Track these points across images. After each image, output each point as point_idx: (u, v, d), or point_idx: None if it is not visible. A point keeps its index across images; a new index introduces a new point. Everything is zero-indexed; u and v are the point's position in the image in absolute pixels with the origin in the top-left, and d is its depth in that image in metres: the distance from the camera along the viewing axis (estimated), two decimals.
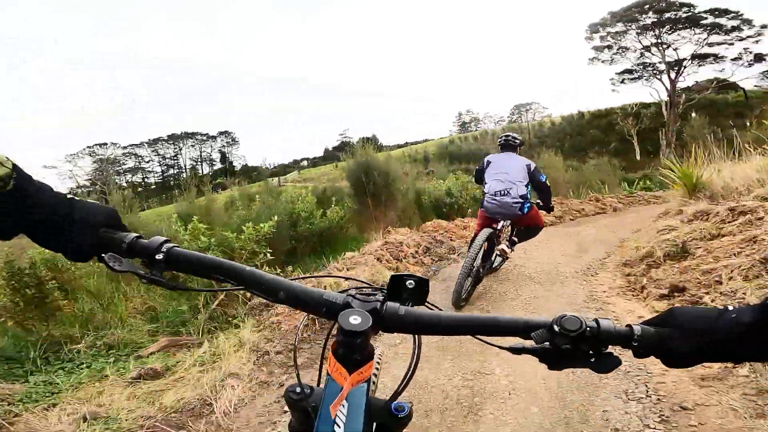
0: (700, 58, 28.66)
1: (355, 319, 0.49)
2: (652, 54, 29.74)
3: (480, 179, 3.90)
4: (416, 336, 0.59)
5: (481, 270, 3.50)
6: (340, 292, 0.56)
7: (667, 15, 28.14)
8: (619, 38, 30.57)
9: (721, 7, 27.38)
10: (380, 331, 0.52)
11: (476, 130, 57.99)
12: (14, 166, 0.48)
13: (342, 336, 0.48)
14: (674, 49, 28.84)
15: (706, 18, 27.51)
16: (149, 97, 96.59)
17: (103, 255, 0.53)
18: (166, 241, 0.54)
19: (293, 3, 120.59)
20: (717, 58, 28.52)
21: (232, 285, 0.54)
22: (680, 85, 28.78)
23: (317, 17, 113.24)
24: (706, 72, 32.72)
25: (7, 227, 0.50)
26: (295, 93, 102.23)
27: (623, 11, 29.61)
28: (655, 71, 30.06)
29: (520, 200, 3.57)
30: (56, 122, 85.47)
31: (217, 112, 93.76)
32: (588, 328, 0.47)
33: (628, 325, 0.49)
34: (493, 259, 3.76)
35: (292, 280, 0.56)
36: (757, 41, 27.60)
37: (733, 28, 27.89)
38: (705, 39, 27.94)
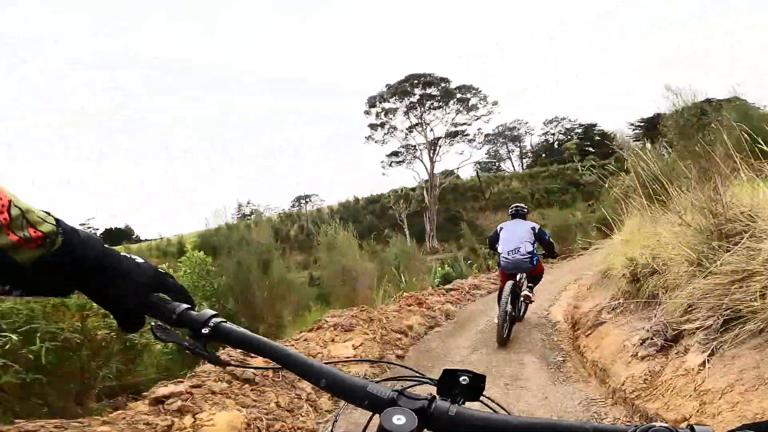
0: (451, 136, 32.82)
1: (398, 419, 0.45)
2: (416, 134, 32.50)
3: (493, 244, 4.97)
4: None
5: (513, 313, 4.48)
6: (386, 380, 0.56)
7: (429, 90, 31.48)
8: (390, 116, 32.44)
9: (466, 83, 32.21)
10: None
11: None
12: (57, 220, 0.49)
13: None
14: (431, 129, 32.37)
15: (456, 93, 31.69)
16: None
17: (152, 324, 0.54)
18: (214, 315, 0.55)
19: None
20: (464, 135, 33.29)
21: (274, 365, 0.54)
22: (437, 167, 32.81)
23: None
24: (458, 150, 36.70)
25: (60, 284, 0.50)
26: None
27: (398, 84, 31.50)
28: (416, 153, 33.02)
29: (529, 255, 4.60)
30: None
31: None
32: None
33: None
34: (520, 305, 4.72)
35: (334, 363, 0.56)
36: (488, 120, 32.95)
37: (473, 107, 31.77)
38: (454, 118, 32.20)
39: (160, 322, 0.54)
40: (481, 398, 0.52)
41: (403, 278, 9.22)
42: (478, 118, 32.74)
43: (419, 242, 24.46)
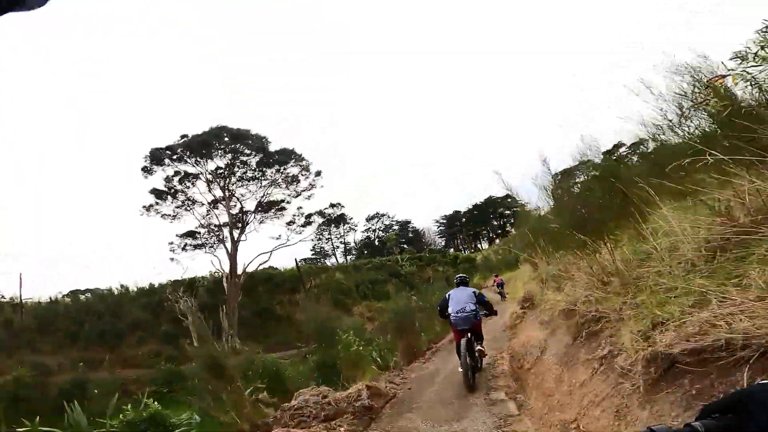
0: (264, 210, 26.74)
1: None
2: (222, 210, 25.84)
3: (443, 310, 6.13)
4: None
5: (473, 363, 5.64)
6: None
7: (240, 146, 25.47)
8: (186, 184, 25.07)
9: (288, 148, 26.67)
10: None
11: None
12: None
13: None
14: (240, 205, 26.24)
15: (275, 158, 26.39)
16: None
17: None
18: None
19: None
20: (278, 210, 27.44)
21: None
22: (246, 252, 27.39)
23: None
24: (273, 233, 31.70)
25: None
26: None
27: (199, 137, 24.23)
28: (219, 234, 26.00)
29: (473, 312, 5.85)
30: None
31: None
32: None
33: (688, 425, 0.46)
34: (476, 358, 5.90)
35: None
36: (309, 196, 27.67)
37: (293, 178, 26.95)
38: (268, 192, 26.66)
39: None
40: None
41: None
42: (298, 195, 28.00)
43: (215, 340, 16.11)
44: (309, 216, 29.25)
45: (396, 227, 56.28)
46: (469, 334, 5.64)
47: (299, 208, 28.54)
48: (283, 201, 27.84)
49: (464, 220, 56.21)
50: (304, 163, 27.59)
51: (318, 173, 27.90)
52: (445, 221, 57.72)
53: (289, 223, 28.37)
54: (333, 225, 51.44)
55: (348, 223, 49.72)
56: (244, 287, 25.53)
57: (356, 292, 29.44)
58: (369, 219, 54.96)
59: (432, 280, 31.69)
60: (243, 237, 26.43)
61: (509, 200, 56.47)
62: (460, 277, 6.54)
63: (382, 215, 55.74)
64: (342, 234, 53.01)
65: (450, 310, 5.90)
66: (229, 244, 25.93)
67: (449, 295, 6.12)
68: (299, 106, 77.78)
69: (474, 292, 6.06)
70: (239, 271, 25.36)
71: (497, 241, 49.69)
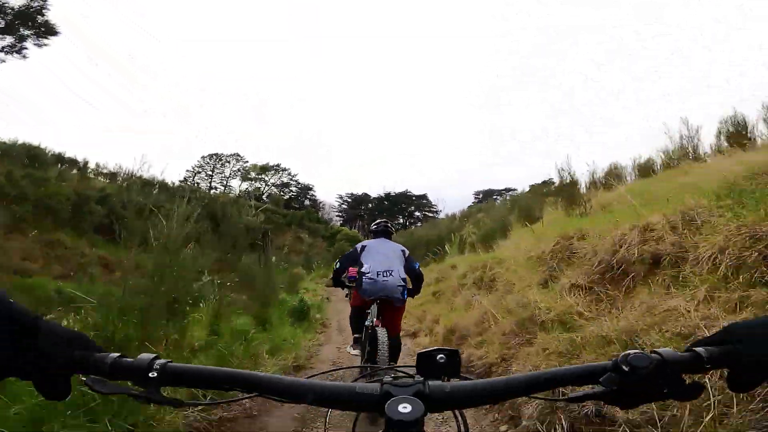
0: None
1: (404, 408, 0.44)
2: None
3: (341, 270, 3.62)
4: (458, 412, 0.57)
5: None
6: (367, 382, 0.51)
7: None
8: None
9: None
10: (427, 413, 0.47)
11: None
12: None
13: (392, 429, 0.43)
14: None
15: None
16: None
17: (84, 379, 0.47)
18: (156, 358, 0.49)
19: None
20: None
21: (247, 393, 0.50)
22: None
23: None
24: None
25: None
26: None
27: None
28: None
29: (402, 284, 3.40)
30: None
31: None
32: (655, 362, 0.47)
33: (690, 349, 0.50)
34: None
35: (312, 377, 0.53)
36: None
37: None
38: None
39: (93, 376, 0.48)
40: (461, 375, 0.53)
41: None
42: None
43: None
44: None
45: (294, 188, 49.48)
46: (381, 324, 3.22)
47: None
48: None
49: (371, 205, 50.77)
50: None
51: None
52: (350, 200, 51.89)
53: None
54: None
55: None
56: None
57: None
58: (265, 169, 47.46)
59: (287, 250, 25.41)
60: None
61: (424, 201, 52.64)
62: (380, 223, 3.88)
63: (283, 170, 48.54)
64: (230, 174, 45.60)
65: (366, 268, 3.40)
66: None
67: (363, 246, 3.64)
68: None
69: (403, 251, 3.64)
70: None
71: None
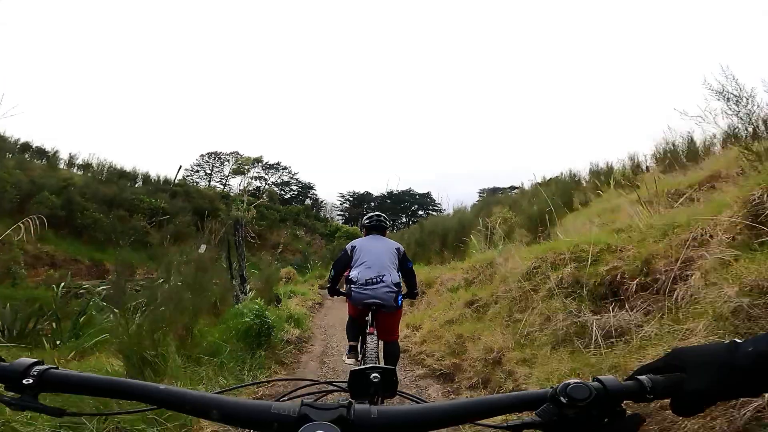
0: None
1: None
2: None
3: (337, 277, 3.43)
4: None
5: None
6: (289, 399, 0.48)
7: None
8: None
9: None
10: None
11: None
12: None
13: None
14: None
15: None
16: None
17: None
18: (36, 363, 0.45)
19: None
20: None
21: (146, 405, 0.45)
22: None
23: None
24: None
25: None
26: None
27: None
28: None
29: (395, 289, 3.19)
30: None
31: None
32: (595, 392, 0.45)
33: (633, 378, 0.48)
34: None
35: (222, 392, 0.48)
36: None
37: None
38: None
39: None
40: (398, 393, 0.48)
41: None
42: None
43: None
44: None
45: (295, 187, 48.19)
46: (375, 331, 3.08)
47: None
48: None
49: (374, 204, 49.24)
50: None
51: None
52: (351, 198, 50.42)
53: None
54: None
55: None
56: None
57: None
58: (266, 167, 46.20)
59: (281, 248, 23.96)
60: None
61: (427, 198, 51.03)
62: (373, 217, 3.58)
63: (284, 168, 47.26)
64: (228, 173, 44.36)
65: (354, 276, 3.18)
66: None
67: (353, 247, 3.37)
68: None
69: (398, 249, 3.40)
70: None
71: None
